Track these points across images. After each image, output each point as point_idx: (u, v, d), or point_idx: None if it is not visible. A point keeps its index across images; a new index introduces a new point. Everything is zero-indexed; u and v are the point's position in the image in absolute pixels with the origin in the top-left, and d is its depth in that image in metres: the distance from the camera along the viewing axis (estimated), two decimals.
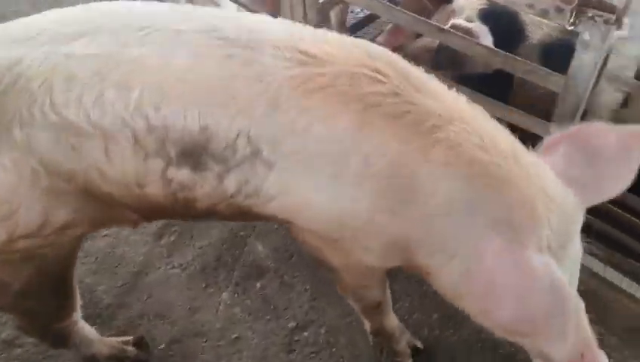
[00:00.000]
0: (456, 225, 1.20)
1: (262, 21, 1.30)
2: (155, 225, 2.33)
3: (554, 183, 1.26)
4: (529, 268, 1.13)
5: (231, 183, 1.21)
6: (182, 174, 1.20)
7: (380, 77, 1.18)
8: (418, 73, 1.27)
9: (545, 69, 1.75)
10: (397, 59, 1.27)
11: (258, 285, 2.17)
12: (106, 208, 1.32)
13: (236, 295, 2.13)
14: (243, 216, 1.35)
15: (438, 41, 2.16)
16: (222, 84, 1.16)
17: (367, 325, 1.80)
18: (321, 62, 1.17)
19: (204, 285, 2.16)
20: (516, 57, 1.79)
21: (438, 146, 1.15)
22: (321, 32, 1.30)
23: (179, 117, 1.15)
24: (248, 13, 1.45)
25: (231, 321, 2.05)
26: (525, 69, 1.78)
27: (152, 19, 1.21)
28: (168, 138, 1.16)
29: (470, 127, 1.19)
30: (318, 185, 1.20)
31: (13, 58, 1.14)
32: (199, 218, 1.40)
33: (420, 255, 1.28)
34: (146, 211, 1.37)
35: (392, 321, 1.82)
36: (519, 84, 2.10)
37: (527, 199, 1.19)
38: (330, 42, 1.24)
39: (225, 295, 2.13)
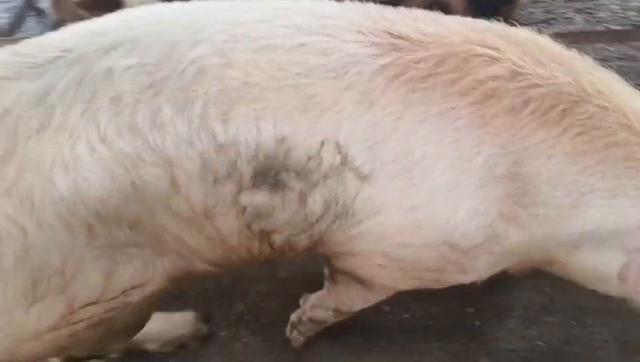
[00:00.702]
0: (591, 215, 1.03)
1: (324, 5, 1.10)
2: None
3: None
4: None
5: (316, 203, 1.03)
6: (258, 198, 1.02)
7: (493, 53, 1.00)
8: (533, 37, 1.08)
9: None
10: (506, 27, 1.09)
11: None
12: (176, 258, 1.10)
13: None
14: (308, 252, 1.18)
15: None
16: (296, 80, 0.97)
17: (323, 315, 1.60)
18: (418, 45, 1.00)
19: None
20: None
21: (565, 135, 0.99)
22: (404, 9, 1.10)
23: (251, 130, 0.97)
24: None
25: None
26: None
27: (199, 16, 1.03)
28: (240, 157, 0.98)
29: (610, 102, 1.01)
30: (426, 199, 1.01)
31: (40, 90, 0.92)
32: (270, 259, 1.22)
33: (539, 248, 1.12)
34: (218, 255, 1.15)
35: None
36: None
37: None
38: (422, 19, 1.06)
39: None
